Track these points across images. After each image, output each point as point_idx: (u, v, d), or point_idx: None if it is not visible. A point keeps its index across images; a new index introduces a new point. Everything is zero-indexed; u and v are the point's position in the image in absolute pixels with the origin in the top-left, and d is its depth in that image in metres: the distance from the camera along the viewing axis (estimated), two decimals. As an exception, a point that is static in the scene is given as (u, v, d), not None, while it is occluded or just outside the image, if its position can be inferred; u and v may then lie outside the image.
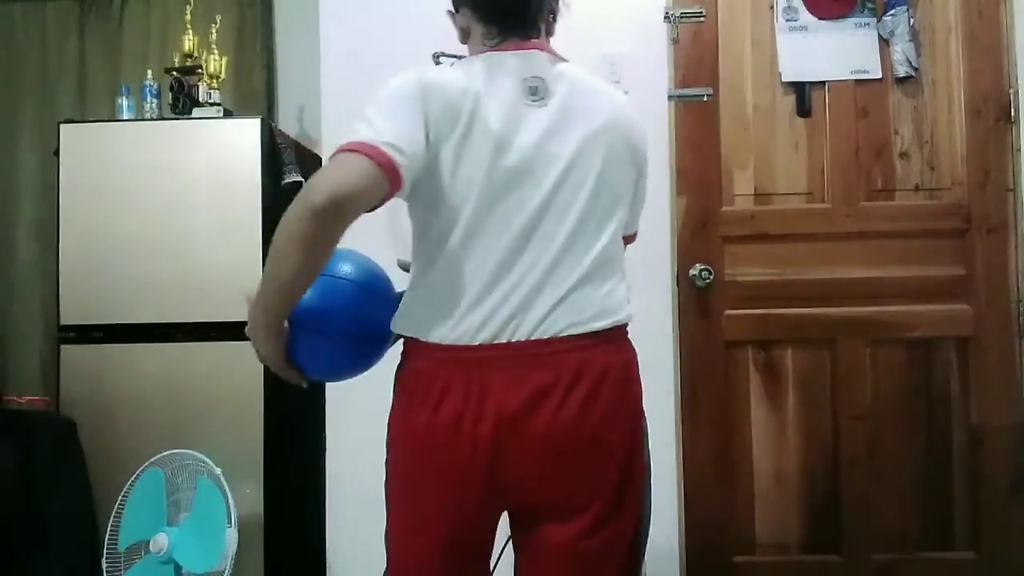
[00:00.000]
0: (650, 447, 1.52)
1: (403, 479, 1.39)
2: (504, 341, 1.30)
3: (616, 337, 1.39)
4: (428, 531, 1.37)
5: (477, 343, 1.30)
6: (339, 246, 1.30)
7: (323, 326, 1.35)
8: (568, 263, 1.32)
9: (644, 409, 1.45)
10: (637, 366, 1.43)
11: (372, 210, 1.29)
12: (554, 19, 1.49)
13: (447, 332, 1.31)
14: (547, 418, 1.29)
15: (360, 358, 1.42)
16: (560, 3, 1.49)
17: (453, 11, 1.48)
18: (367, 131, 1.26)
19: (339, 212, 1.21)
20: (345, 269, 1.39)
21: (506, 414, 1.29)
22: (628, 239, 1.53)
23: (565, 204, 1.32)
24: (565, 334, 1.31)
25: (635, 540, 1.42)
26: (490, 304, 1.30)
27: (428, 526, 1.37)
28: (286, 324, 1.34)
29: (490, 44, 1.40)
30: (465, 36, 1.47)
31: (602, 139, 1.37)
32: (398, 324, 1.39)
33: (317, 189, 1.22)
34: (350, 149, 1.24)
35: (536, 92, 1.35)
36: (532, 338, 1.30)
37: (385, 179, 1.24)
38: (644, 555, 1.51)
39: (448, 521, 1.36)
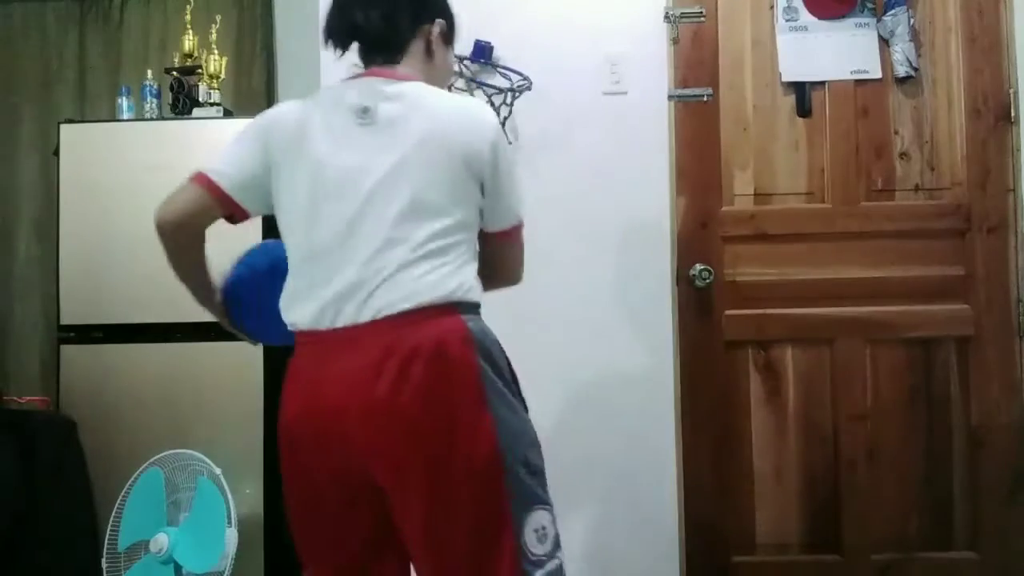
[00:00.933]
0: (506, 427, 1.46)
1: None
2: (339, 326, 1.46)
3: (430, 314, 1.45)
4: (309, 526, 1.60)
5: (322, 328, 1.47)
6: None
7: (236, 302, 1.70)
8: (381, 261, 1.45)
9: (488, 381, 1.45)
10: (460, 340, 1.45)
11: (234, 222, 1.62)
12: (444, 32, 1.66)
13: (296, 319, 1.51)
14: (363, 397, 1.42)
15: (278, 327, 1.57)
16: (442, 19, 1.65)
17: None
18: (207, 162, 1.59)
19: (170, 230, 1.56)
20: (249, 258, 1.71)
21: (333, 394, 1.44)
22: (498, 236, 1.61)
23: (379, 212, 1.47)
24: (380, 316, 1.44)
25: (489, 524, 1.42)
26: (321, 297, 1.47)
27: (310, 522, 1.60)
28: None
29: (356, 72, 1.62)
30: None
31: (422, 151, 1.49)
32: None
33: (156, 212, 1.57)
34: (190, 176, 1.59)
35: (366, 113, 1.52)
36: (352, 323, 1.44)
37: (212, 198, 1.56)
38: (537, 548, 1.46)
39: (315, 512, 1.56)
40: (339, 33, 1.61)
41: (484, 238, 1.59)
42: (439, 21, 1.64)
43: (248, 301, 1.68)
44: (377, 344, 1.42)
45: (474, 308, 1.52)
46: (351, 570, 1.54)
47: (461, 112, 1.55)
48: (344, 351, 1.44)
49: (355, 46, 1.63)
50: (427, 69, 1.63)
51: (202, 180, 1.57)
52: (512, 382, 1.52)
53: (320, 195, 1.50)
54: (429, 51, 1.63)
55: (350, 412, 1.42)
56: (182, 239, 1.59)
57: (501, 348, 1.52)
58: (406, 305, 1.44)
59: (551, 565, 1.45)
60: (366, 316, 1.44)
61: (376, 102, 1.52)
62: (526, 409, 1.54)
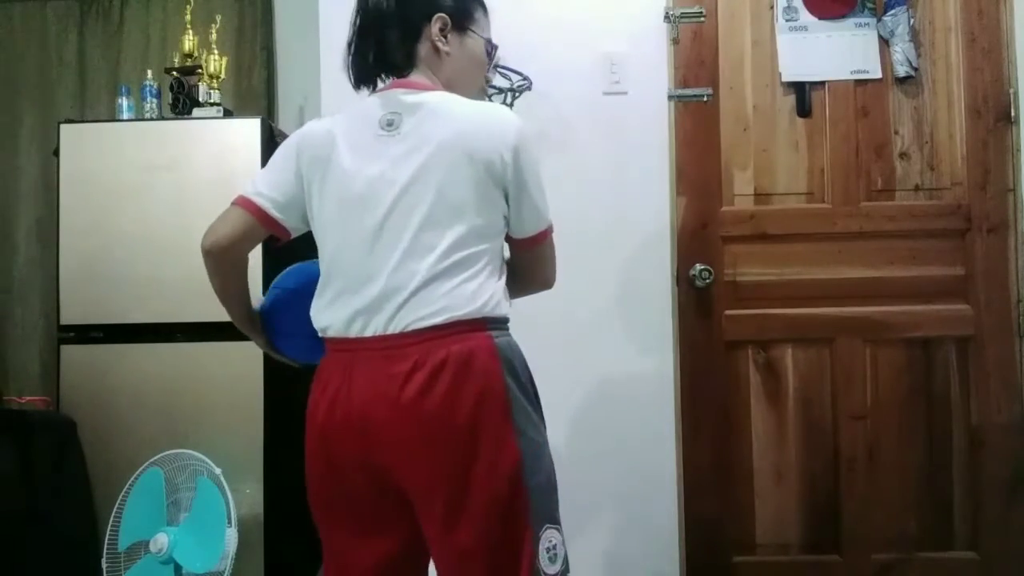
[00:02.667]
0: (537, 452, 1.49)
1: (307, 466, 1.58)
2: (368, 335, 1.49)
3: (460, 329, 1.47)
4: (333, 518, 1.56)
5: (352, 336, 1.50)
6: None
7: (275, 327, 1.71)
8: (407, 271, 1.48)
9: (513, 397, 1.48)
10: (488, 355, 1.47)
11: (277, 243, 1.65)
12: (448, 24, 1.61)
13: (326, 325, 1.54)
14: (390, 404, 1.44)
15: (317, 347, 1.59)
16: (441, 13, 1.60)
17: None
18: (248, 186, 1.62)
19: (219, 255, 1.60)
20: (281, 281, 1.72)
21: (360, 400, 1.47)
22: (525, 242, 1.60)
23: (401, 222, 1.49)
24: (410, 329, 1.46)
25: (504, 536, 1.44)
26: (351, 305, 1.50)
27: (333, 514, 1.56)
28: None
29: (381, 87, 1.64)
30: None
31: (442, 158, 1.50)
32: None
33: (204, 240, 1.60)
34: (232, 202, 1.62)
35: (391, 124, 1.54)
36: (382, 333, 1.47)
37: (255, 220, 1.60)
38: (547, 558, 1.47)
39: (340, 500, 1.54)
40: (360, 74, 1.64)
41: (513, 244, 1.59)
42: (438, 16, 1.59)
43: (283, 324, 1.70)
44: (406, 356, 1.45)
45: (502, 323, 1.52)
46: (387, 567, 1.54)
47: (482, 117, 1.54)
48: (373, 360, 1.47)
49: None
50: (444, 67, 1.61)
51: (245, 203, 1.60)
52: (535, 400, 1.53)
53: (347, 206, 1.53)
54: (437, 50, 1.60)
55: (378, 418, 1.45)
56: (228, 264, 1.63)
57: (526, 365, 1.54)
58: (435, 320, 1.46)
59: None
60: (395, 328, 1.46)
61: (398, 112, 1.54)
62: (545, 428, 1.55)
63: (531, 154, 1.54)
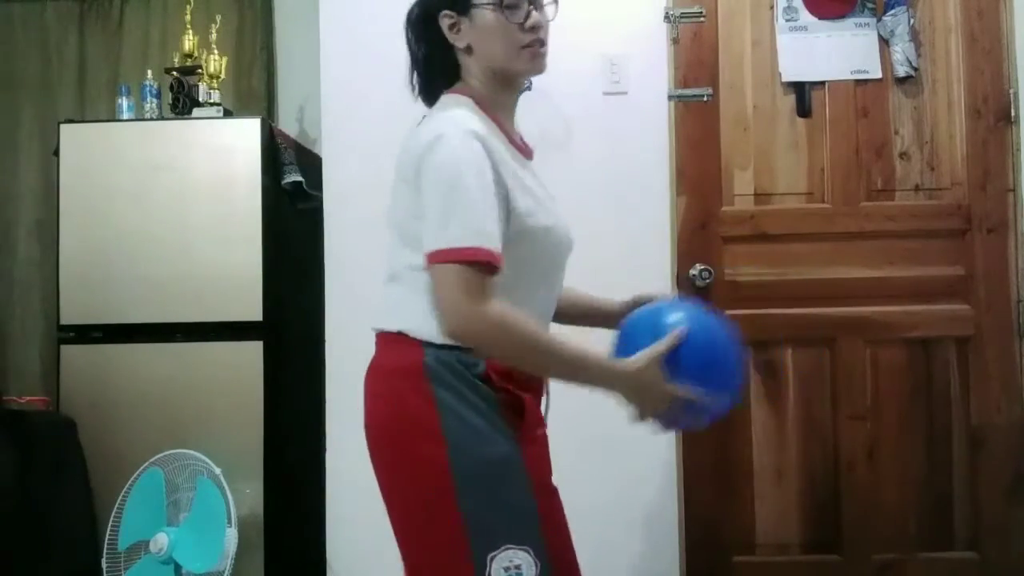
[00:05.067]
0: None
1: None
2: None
3: (384, 342, 1.47)
4: None
5: None
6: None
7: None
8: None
9: (442, 410, 1.37)
10: (386, 380, 1.44)
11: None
12: (456, 17, 1.47)
13: None
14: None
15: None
16: (447, 9, 1.47)
17: None
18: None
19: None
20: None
21: None
22: (427, 258, 1.39)
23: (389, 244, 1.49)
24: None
25: (445, 557, 1.37)
26: None
27: None
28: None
29: None
30: None
31: (396, 177, 1.46)
32: None
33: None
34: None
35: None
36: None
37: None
38: None
39: None
40: (426, 98, 1.56)
41: None
42: (443, 16, 1.46)
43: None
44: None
45: (435, 338, 1.39)
46: None
47: (413, 133, 1.44)
48: None
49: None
50: (471, 61, 1.48)
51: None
52: (494, 415, 1.38)
53: None
54: (463, 47, 1.47)
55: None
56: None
57: (483, 380, 1.39)
58: (375, 325, 1.48)
59: None
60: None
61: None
62: (513, 443, 1.40)
63: (438, 164, 1.36)
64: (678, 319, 1.45)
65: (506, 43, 1.45)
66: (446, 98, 1.50)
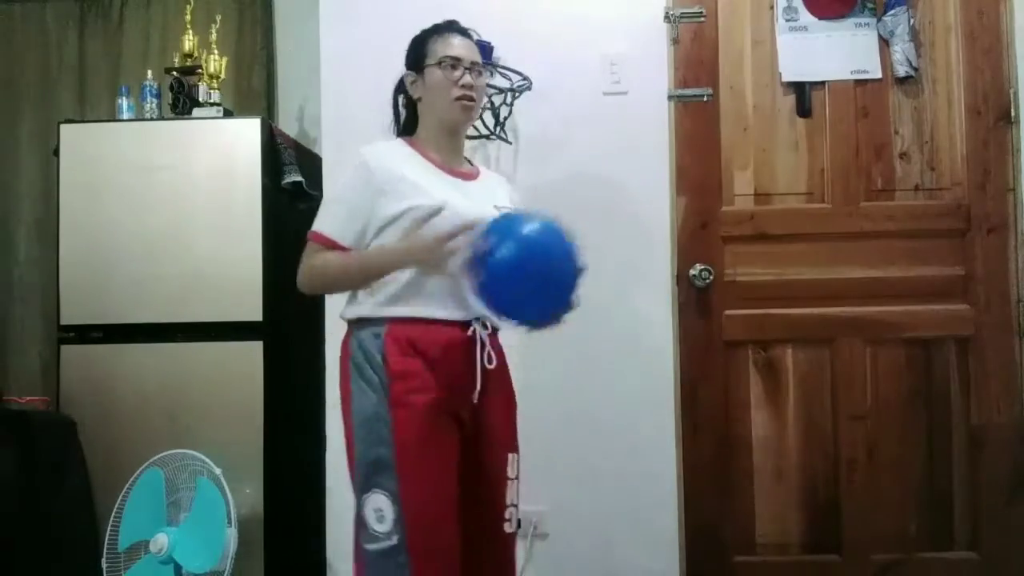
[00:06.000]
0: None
1: None
2: None
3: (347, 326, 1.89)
4: None
5: None
6: None
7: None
8: None
9: (353, 368, 1.80)
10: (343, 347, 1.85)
11: None
12: (413, 75, 1.91)
13: None
14: None
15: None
16: (409, 70, 1.92)
17: None
18: None
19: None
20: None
21: None
22: None
23: None
24: None
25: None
26: None
27: None
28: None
29: None
30: None
31: None
32: None
33: None
34: None
35: None
36: None
37: None
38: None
39: None
40: None
41: None
42: (407, 73, 1.90)
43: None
44: None
45: (357, 322, 1.82)
46: None
47: None
48: None
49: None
50: (425, 111, 1.90)
51: None
52: (377, 381, 1.74)
53: None
54: (417, 99, 1.90)
55: None
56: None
57: (390, 351, 1.74)
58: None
59: (385, 543, 1.69)
60: None
61: None
62: (399, 405, 1.73)
63: (349, 173, 1.84)
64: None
65: (444, 96, 1.85)
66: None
